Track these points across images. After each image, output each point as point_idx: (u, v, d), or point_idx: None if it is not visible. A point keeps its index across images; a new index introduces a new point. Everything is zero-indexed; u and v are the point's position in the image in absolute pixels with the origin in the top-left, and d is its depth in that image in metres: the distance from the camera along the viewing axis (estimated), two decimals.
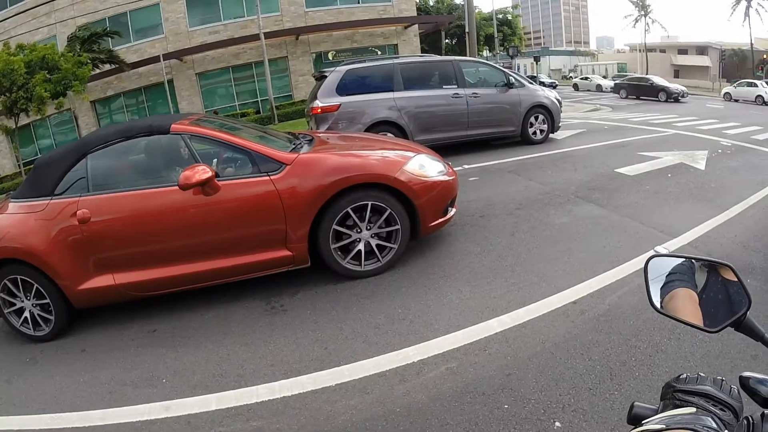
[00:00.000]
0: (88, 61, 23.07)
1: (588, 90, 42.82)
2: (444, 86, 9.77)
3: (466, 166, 8.58)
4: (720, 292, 1.17)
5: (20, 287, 4.01)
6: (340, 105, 8.94)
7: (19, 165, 26.29)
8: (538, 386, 2.88)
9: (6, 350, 4.17)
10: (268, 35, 26.36)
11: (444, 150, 7.74)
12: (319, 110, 8.96)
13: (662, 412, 0.98)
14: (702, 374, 1.02)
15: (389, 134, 8.68)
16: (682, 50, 64.11)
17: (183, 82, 29.08)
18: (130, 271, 4.03)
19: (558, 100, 11.07)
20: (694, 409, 0.92)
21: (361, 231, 4.38)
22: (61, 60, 21.23)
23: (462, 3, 32.21)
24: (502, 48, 42.54)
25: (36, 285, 3.97)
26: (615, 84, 35.59)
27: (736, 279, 1.13)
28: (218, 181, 3.97)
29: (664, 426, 0.85)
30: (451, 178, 4.88)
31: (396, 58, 10.88)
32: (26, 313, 4.07)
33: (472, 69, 10.86)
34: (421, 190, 4.50)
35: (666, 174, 7.66)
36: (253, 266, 4.21)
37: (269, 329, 3.82)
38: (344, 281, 4.43)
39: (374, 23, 29.77)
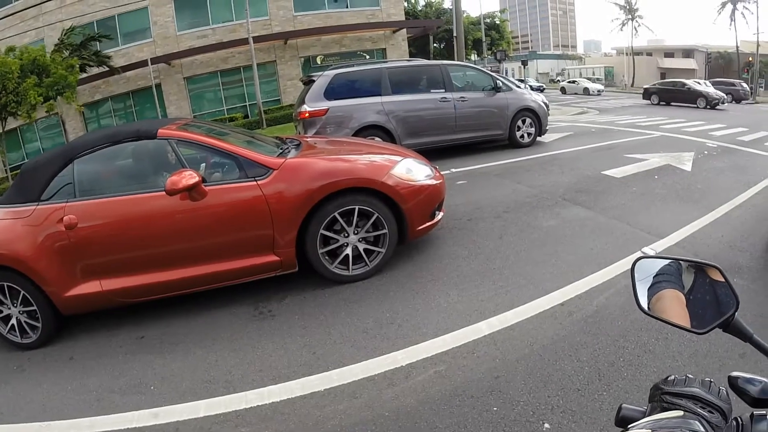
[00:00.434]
0: (78, 65, 22.87)
1: (575, 93, 43.04)
2: (432, 90, 9.81)
3: (453, 170, 8.60)
4: (707, 293, 1.16)
5: (7, 294, 3.97)
6: (328, 109, 8.94)
7: (6, 170, 26.01)
8: (527, 388, 2.89)
9: None
10: (256, 39, 26.26)
11: (432, 154, 7.77)
12: (307, 115, 8.94)
13: (650, 414, 0.97)
14: (690, 376, 1.02)
15: (377, 138, 8.68)
16: (669, 53, 64.77)
17: (171, 87, 28.91)
18: (118, 277, 4.00)
19: (545, 103, 11.15)
20: (681, 412, 0.92)
21: (348, 235, 4.38)
22: (51, 64, 21.03)
23: (450, 7, 32.31)
24: (490, 52, 42.54)
25: (23, 292, 3.92)
26: (644, 89, 30.97)
27: (723, 280, 1.13)
28: (205, 186, 3.95)
29: (650, 430, 0.84)
30: (438, 181, 4.90)
31: (384, 62, 10.89)
32: (13, 320, 4.02)
33: (459, 73, 10.92)
34: (409, 194, 4.51)
35: (653, 176, 7.72)
36: (240, 271, 4.20)
37: (257, 335, 3.81)
38: (332, 286, 4.42)
39: (363, 27, 29.73)
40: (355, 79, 9.50)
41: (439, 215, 4.97)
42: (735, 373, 1.01)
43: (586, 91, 42.72)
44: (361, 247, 4.45)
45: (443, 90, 9.80)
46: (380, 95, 9.34)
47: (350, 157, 4.76)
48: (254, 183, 4.10)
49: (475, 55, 46.48)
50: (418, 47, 37.42)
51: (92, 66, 25.73)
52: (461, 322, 3.64)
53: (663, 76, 50.52)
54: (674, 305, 1.20)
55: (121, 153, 4.39)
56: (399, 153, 5.10)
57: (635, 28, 64.68)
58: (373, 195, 4.38)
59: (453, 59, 22.29)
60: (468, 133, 10.07)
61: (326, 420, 2.80)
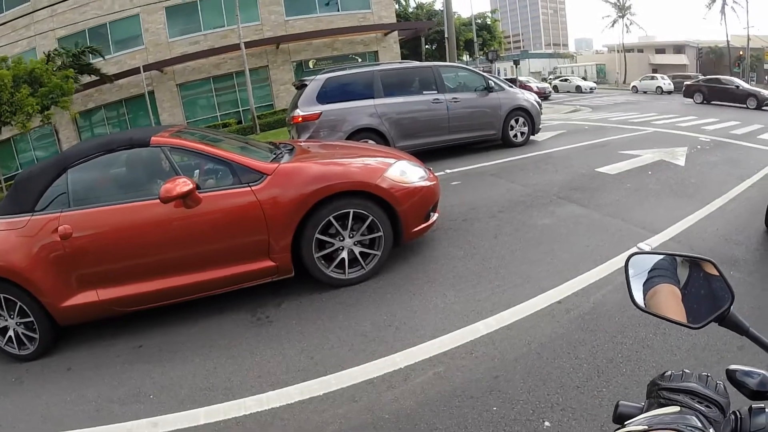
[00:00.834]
0: (73, 75, 22.83)
1: (567, 91, 43.16)
2: (424, 92, 9.80)
3: (448, 171, 8.60)
4: (702, 288, 1.16)
5: (3, 306, 3.95)
6: (321, 113, 8.93)
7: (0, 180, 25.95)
8: (526, 387, 2.89)
9: None
10: (248, 45, 26.27)
11: (426, 155, 7.78)
12: (300, 119, 8.94)
13: (647, 410, 0.96)
14: (687, 371, 1.00)
15: (371, 141, 8.72)
16: (660, 50, 64.86)
17: (164, 94, 28.89)
18: (114, 286, 3.99)
19: (538, 102, 11.16)
20: (678, 408, 0.90)
21: (344, 239, 4.38)
22: (46, 74, 20.98)
23: (441, 9, 32.36)
24: (481, 52, 42.65)
25: (19, 303, 3.91)
26: (686, 86, 28.05)
27: (718, 274, 1.11)
28: (199, 193, 3.95)
29: (646, 426, 0.83)
30: (432, 183, 4.90)
31: (376, 65, 10.89)
32: (10, 332, 4.00)
33: (451, 74, 10.93)
34: (403, 196, 4.52)
35: (646, 171, 7.74)
36: (237, 278, 4.19)
37: (255, 341, 3.80)
38: (329, 290, 4.42)
39: (354, 31, 29.77)
40: (347, 82, 9.50)
41: (434, 216, 4.98)
42: (733, 366, 1.01)
43: (578, 89, 42.82)
44: (357, 250, 4.45)
45: (435, 91, 9.80)
46: (373, 98, 9.33)
47: (344, 161, 4.76)
48: (248, 189, 4.10)
49: (467, 56, 46.53)
50: (410, 49, 37.46)
51: (83, 74, 25.62)
52: (459, 323, 3.64)
53: (654, 72, 50.64)
54: (670, 300, 1.19)
55: (114, 161, 4.39)
56: (392, 155, 5.10)
57: (626, 26, 64.82)
58: (367, 198, 4.38)
59: (445, 60, 22.31)
60: (461, 133, 10.07)
61: (326, 425, 2.80)
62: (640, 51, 65.62)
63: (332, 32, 29.25)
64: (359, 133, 9.02)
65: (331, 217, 4.26)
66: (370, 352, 3.44)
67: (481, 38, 44.62)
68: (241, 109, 29.70)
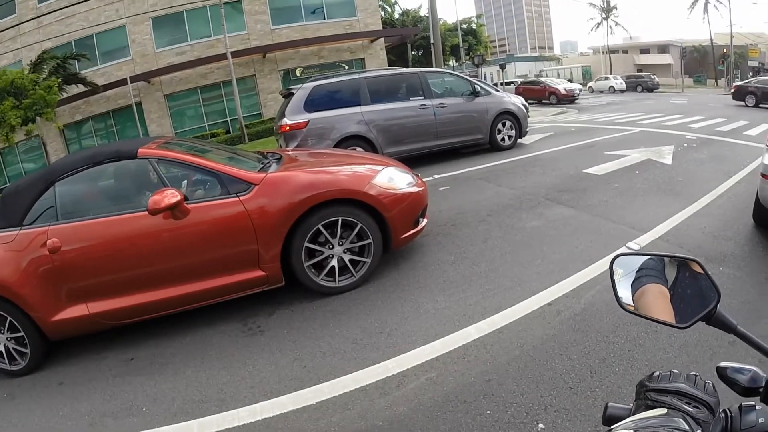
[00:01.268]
0: (57, 85, 22.67)
1: None
2: (411, 98, 9.84)
3: (436, 176, 8.63)
4: (689, 287, 1.16)
5: None
6: (309, 121, 8.93)
7: None
8: (519, 390, 2.89)
9: None
10: (235, 54, 26.26)
11: (414, 161, 7.79)
12: (288, 128, 8.94)
13: (635, 412, 0.96)
14: (675, 371, 1.00)
15: (359, 149, 8.72)
16: (644, 50, 65.58)
17: (151, 104, 28.78)
18: (104, 299, 3.96)
19: (525, 105, 11.21)
20: (665, 410, 0.90)
21: (333, 247, 4.38)
22: (29, 85, 20.82)
23: (427, 15, 32.44)
24: (468, 57, 42.77)
25: (9, 318, 3.87)
26: (737, 87, 25.33)
27: (703, 273, 1.11)
28: (187, 204, 3.94)
29: (633, 430, 0.84)
30: (420, 189, 4.92)
31: (362, 72, 10.92)
32: (1, 347, 3.96)
33: (438, 79, 10.98)
34: (391, 202, 4.53)
35: (634, 171, 7.80)
36: (227, 288, 4.18)
37: (247, 351, 3.78)
38: (320, 298, 4.41)
39: (340, 38, 29.80)
40: (334, 90, 9.52)
41: (423, 222, 4.99)
42: (724, 364, 1.01)
43: None
44: (347, 258, 4.45)
45: (422, 97, 9.84)
46: (360, 105, 9.35)
47: (332, 169, 4.77)
48: (236, 199, 4.09)
49: (454, 61, 46.68)
50: (396, 55, 37.53)
51: (70, 84, 25.46)
52: (450, 328, 3.65)
53: (640, 71, 51.06)
54: (658, 300, 1.19)
55: (102, 174, 4.37)
56: (380, 162, 5.11)
57: (611, 27, 65.36)
58: (355, 205, 4.39)
59: (431, 66, 22.37)
60: (449, 138, 10.11)
61: None
62: (625, 52, 66.23)
63: (319, 40, 29.27)
64: (347, 141, 9.04)
65: (320, 226, 4.26)
66: (363, 359, 3.43)
67: (467, 43, 44.79)
68: (229, 119, 29.61)
